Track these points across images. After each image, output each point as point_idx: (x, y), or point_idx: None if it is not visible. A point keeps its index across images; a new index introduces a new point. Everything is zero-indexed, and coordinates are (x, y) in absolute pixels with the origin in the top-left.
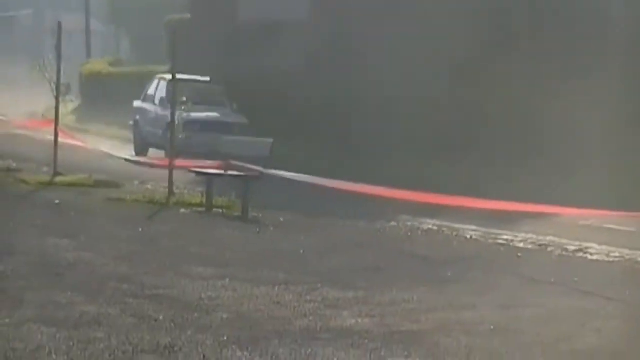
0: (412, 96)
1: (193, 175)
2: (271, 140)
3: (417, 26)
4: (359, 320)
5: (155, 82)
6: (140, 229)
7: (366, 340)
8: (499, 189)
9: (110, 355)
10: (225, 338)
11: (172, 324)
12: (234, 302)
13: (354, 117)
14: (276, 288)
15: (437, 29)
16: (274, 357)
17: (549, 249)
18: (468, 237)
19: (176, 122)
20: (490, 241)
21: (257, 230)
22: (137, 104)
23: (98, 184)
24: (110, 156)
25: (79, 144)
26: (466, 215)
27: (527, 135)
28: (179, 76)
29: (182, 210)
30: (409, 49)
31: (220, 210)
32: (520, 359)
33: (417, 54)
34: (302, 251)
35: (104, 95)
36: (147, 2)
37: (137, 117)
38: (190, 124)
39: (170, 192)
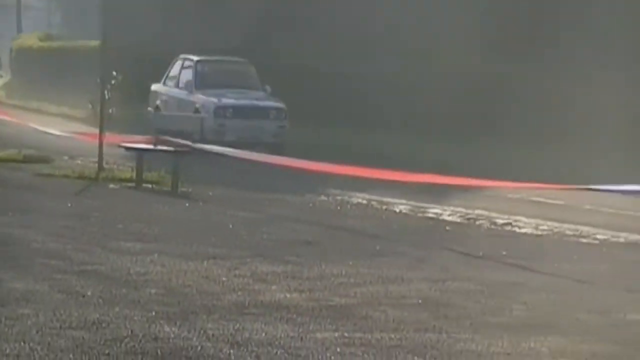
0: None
1: (124, 150)
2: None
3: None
4: (288, 295)
5: (179, 62)
6: (70, 205)
7: (295, 315)
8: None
9: (37, 332)
10: (154, 313)
11: (101, 300)
12: (162, 277)
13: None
14: (205, 262)
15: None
16: (202, 331)
17: (478, 222)
18: (397, 210)
19: (206, 107)
20: (420, 215)
21: (186, 204)
22: (156, 87)
23: (28, 159)
24: (40, 131)
25: (8, 118)
26: (397, 190)
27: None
28: (206, 57)
29: (112, 186)
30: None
31: (150, 185)
32: (448, 332)
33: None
34: (231, 225)
35: (34, 70)
36: None
37: (158, 102)
38: (221, 109)
39: (100, 167)
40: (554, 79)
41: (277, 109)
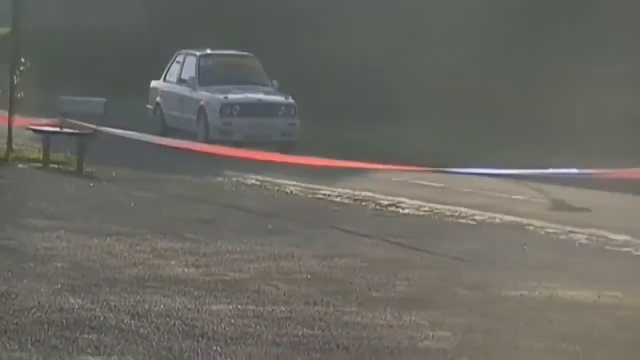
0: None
1: (33, 133)
2: (105, 100)
3: None
4: (186, 270)
5: (180, 58)
6: None
7: (192, 288)
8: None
9: None
10: (59, 286)
11: (10, 273)
12: (68, 252)
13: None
14: (108, 239)
15: None
16: (105, 303)
17: (364, 203)
18: (289, 192)
19: (211, 105)
20: (310, 196)
21: (91, 184)
22: (156, 84)
23: None
24: None
25: None
26: (289, 172)
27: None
28: (211, 51)
29: (21, 166)
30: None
31: (57, 166)
32: (335, 306)
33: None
34: (133, 204)
35: None
36: None
37: (158, 99)
38: (228, 107)
39: (9, 149)
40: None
41: (287, 105)
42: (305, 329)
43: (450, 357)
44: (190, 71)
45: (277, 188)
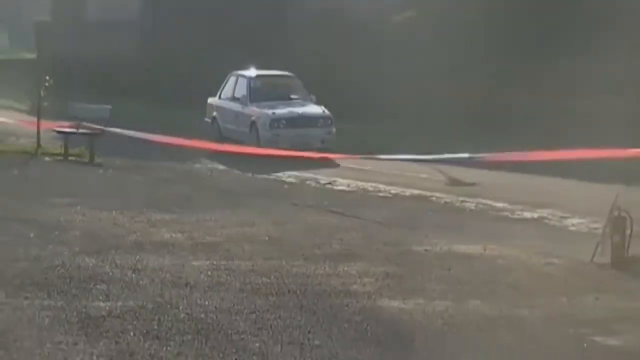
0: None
1: (55, 133)
2: (109, 106)
3: None
4: (173, 235)
5: (233, 78)
6: (16, 172)
7: (178, 249)
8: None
9: None
10: (77, 249)
11: (39, 240)
12: (83, 223)
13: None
14: (114, 212)
15: None
16: (112, 262)
17: (307, 182)
18: (250, 175)
19: (262, 120)
20: (266, 177)
21: (100, 171)
22: (212, 100)
23: None
24: None
25: None
26: (251, 160)
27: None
28: (259, 72)
29: (46, 159)
30: None
31: (74, 158)
32: (286, 260)
33: None
34: (132, 186)
35: None
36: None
37: (214, 113)
38: (276, 121)
39: (38, 145)
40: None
41: (324, 117)
42: (263, 278)
43: (374, 297)
44: (242, 90)
45: (241, 172)
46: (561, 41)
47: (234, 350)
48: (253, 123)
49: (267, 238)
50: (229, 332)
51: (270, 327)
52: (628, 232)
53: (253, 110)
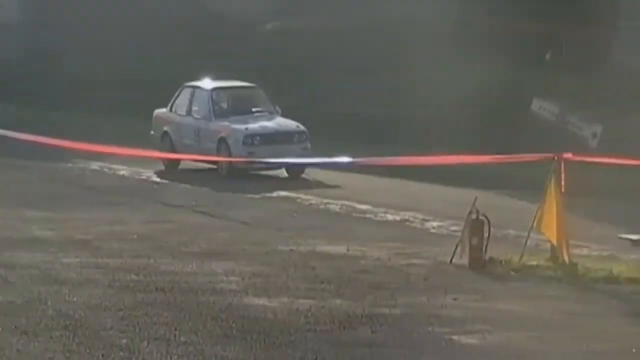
0: None
1: None
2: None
3: None
4: (45, 232)
5: (187, 90)
6: None
7: (49, 246)
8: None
9: None
10: None
11: None
12: None
13: None
14: None
15: None
16: None
17: (176, 182)
18: (121, 174)
19: (234, 136)
20: (136, 177)
21: None
22: (161, 113)
23: None
24: None
25: None
26: (122, 160)
27: None
28: (216, 83)
29: None
30: None
31: None
32: (155, 258)
33: None
34: (6, 183)
35: None
36: None
37: (166, 128)
38: (249, 137)
39: None
40: None
41: (299, 132)
42: (132, 275)
43: (240, 295)
44: (201, 103)
45: (112, 172)
46: None
47: (101, 346)
48: (222, 140)
49: (135, 236)
50: (97, 328)
51: (138, 323)
52: (486, 235)
53: (220, 125)
